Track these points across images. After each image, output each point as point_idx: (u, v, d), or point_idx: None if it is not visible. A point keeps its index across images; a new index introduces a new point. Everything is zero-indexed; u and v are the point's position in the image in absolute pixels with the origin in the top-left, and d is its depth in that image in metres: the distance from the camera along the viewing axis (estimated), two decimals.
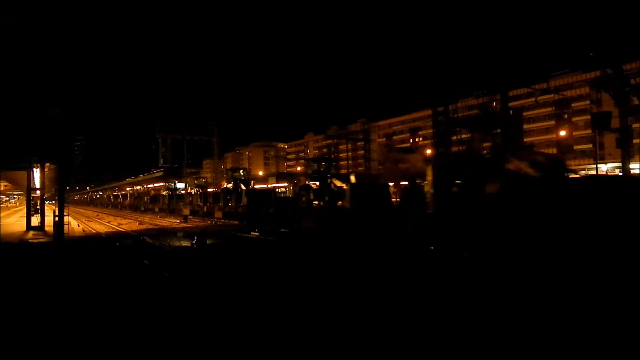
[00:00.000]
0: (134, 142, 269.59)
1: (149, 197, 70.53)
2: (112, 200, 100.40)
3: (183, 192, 60.60)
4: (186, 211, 45.83)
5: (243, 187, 42.82)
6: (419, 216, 17.20)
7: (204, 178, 64.43)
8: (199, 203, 50.16)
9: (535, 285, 9.04)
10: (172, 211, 50.88)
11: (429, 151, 31.93)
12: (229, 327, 6.81)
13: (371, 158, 47.03)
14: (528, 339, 5.99)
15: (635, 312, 7.04)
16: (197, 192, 53.74)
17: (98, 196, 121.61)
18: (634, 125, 18.91)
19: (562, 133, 64.09)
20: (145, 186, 77.07)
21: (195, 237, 18.04)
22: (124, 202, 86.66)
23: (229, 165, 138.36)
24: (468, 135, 24.08)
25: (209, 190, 54.29)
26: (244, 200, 39.39)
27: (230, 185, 44.35)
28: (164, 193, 63.85)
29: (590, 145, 61.04)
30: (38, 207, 27.86)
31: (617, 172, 43.99)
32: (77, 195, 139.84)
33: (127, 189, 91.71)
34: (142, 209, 65.78)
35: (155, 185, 75.56)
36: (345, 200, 25.44)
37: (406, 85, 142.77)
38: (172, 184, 61.84)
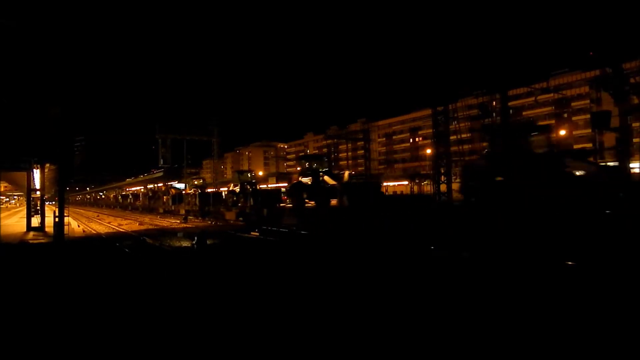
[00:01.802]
0: (133, 142, 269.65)
1: (170, 197, 56.75)
2: (120, 200, 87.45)
3: (224, 189, 48.59)
4: (230, 215, 35.27)
5: (331, 181, 29.56)
6: None
7: (250, 172, 49.23)
8: (249, 204, 38.02)
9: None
10: (205, 214, 40.30)
11: None
12: (227, 327, 6.80)
13: (371, 158, 46.98)
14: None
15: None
16: (245, 191, 40.65)
17: (103, 196, 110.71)
18: (634, 125, 18.87)
19: (562, 132, 64.14)
20: (164, 184, 62.27)
21: (196, 238, 18.05)
22: (135, 202, 74.07)
23: (229, 166, 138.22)
24: (468, 135, 24.11)
25: (262, 187, 44.21)
26: (344, 200, 27.08)
27: (307, 180, 31.28)
28: (190, 192, 51.60)
29: (590, 145, 61.11)
30: (38, 207, 27.85)
31: None
32: (79, 195, 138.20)
33: (138, 187, 78.45)
34: (161, 210, 54.44)
35: (165, 182, 63.29)
36: None
37: (406, 85, 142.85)
38: (201, 181, 49.97)
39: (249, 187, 40.79)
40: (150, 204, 62.36)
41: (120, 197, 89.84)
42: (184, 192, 54.14)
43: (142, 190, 73.06)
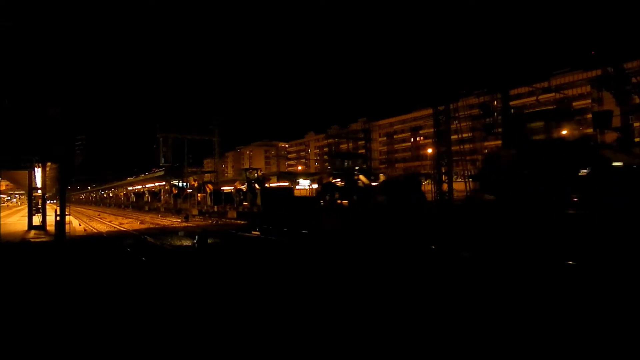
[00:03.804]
0: (134, 141, 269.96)
1: (207, 195, 42.55)
2: (133, 199, 72.36)
3: (274, 184, 38.42)
4: (331, 221, 21.83)
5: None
6: None
7: (356, 156, 35.41)
8: (376, 203, 25.09)
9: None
10: (275, 219, 26.50)
11: None
12: (229, 326, 6.81)
13: (372, 157, 46.96)
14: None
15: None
16: (354, 185, 27.73)
17: (111, 194, 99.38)
18: (635, 124, 18.90)
19: (563, 132, 63.96)
20: (194, 179, 49.65)
21: (197, 237, 18.06)
22: (153, 202, 59.58)
23: (230, 165, 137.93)
24: (469, 134, 24.14)
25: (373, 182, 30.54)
26: None
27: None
28: (241, 188, 38.80)
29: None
30: (39, 206, 27.89)
31: None
32: (82, 194, 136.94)
33: (153, 184, 63.80)
34: (195, 212, 41.33)
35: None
36: None
37: (407, 84, 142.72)
38: (254, 174, 36.93)
39: (362, 177, 26.30)
40: (178, 204, 47.59)
41: (132, 195, 74.48)
42: (237, 186, 41.21)
43: (165, 186, 56.96)
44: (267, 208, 30.80)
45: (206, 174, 49.88)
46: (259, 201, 32.78)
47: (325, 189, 31.00)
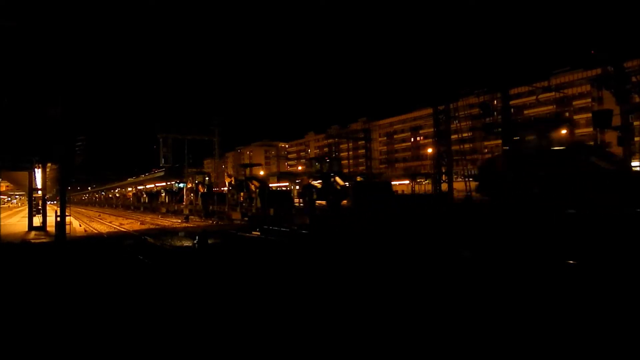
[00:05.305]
0: (134, 141, 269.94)
1: (261, 194, 30.72)
2: (145, 200, 61.45)
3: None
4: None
5: None
6: None
7: None
8: None
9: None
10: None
11: None
12: (229, 327, 6.81)
13: (372, 157, 47.09)
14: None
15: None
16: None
17: (117, 195, 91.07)
18: (635, 123, 18.91)
19: (563, 131, 64.05)
20: (231, 175, 41.36)
21: (197, 237, 18.06)
22: (171, 203, 49.49)
23: (230, 165, 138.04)
24: (469, 134, 24.14)
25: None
26: None
27: None
28: (313, 184, 32.17)
29: (592, 144, 61.06)
30: (40, 207, 27.91)
31: None
32: (85, 195, 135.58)
33: (163, 183, 54.41)
34: (237, 217, 32.36)
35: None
36: None
37: (407, 84, 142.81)
38: (326, 163, 30.08)
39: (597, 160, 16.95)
40: (210, 206, 37.01)
41: (144, 195, 63.91)
42: (309, 181, 33.38)
43: (187, 184, 46.02)
44: (364, 211, 20.99)
45: (247, 168, 40.75)
46: (348, 202, 23.89)
47: (491, 178, 19.20)
